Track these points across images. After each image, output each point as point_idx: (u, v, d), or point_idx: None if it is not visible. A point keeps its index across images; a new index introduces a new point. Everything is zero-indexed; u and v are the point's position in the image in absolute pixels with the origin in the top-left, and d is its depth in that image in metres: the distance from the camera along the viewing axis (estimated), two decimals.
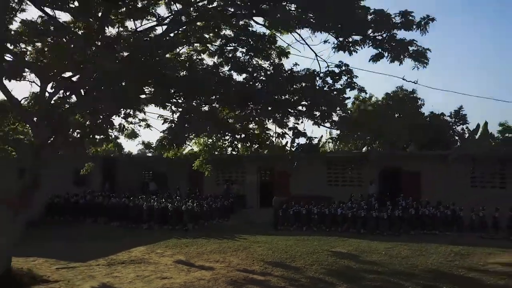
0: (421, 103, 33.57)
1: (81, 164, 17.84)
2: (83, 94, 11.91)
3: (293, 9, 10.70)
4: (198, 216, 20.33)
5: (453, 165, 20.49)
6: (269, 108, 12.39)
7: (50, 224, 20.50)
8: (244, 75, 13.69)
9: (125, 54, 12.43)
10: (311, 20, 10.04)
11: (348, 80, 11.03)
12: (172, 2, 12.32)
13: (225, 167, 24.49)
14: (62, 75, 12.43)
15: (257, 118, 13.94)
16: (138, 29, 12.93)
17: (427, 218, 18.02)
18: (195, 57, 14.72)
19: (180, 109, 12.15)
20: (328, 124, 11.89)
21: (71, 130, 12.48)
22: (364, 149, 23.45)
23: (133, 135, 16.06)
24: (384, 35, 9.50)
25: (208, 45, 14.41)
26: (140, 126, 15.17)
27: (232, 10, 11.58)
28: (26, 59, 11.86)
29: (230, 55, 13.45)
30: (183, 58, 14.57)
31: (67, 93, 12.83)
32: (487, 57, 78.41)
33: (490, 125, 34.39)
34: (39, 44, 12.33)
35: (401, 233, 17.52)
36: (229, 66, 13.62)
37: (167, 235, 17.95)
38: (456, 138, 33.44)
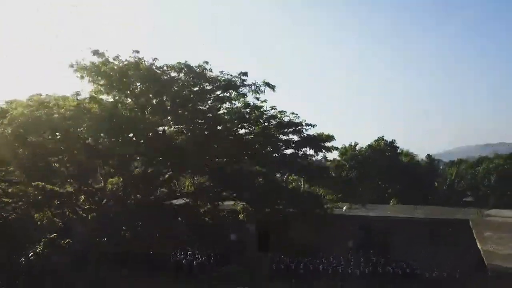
0: (400, 151, 38.12)
1: None
2: None
3: None
4: (207, 266, 24.75)
5: (416, 226, 24.92)
6: None
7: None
8: None
9: None
10: None
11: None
12: None
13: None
14: None
15: None
16: None
17: (391, 275, 22.45)
18: None
19: None
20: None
21: None
22: (344, 208, 27.66)
23: None
24: None
25: None
26: None
27: None
28: None
29: None
30: None
31: None
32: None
33: None
34: None
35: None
36: None
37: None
38: (436, 183, 37.89)
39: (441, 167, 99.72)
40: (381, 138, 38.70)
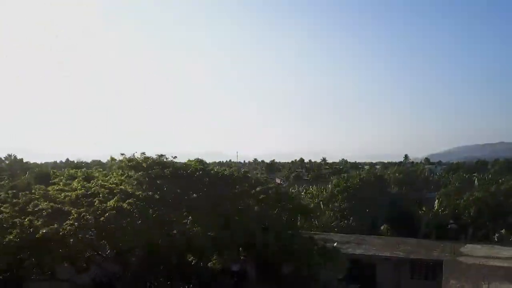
0: (388, 182, 41.46)
1: None
2: None
3: None
4: None
5: (398, 264, 28.13)
6: None
7: None
8: None
9: None
10: None
11: None
12: None
13: None
14: None
15: None
16: None
17: None
18: None
19: None
20: None
21: None
22: (335, 244, 30.81)
23: None
24: None
25: None
26: None
27: None
28: None
29: None
30: None
31: None
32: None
33: None
34: None
35: None
36: None
37: None
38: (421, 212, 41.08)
39: (437, 174, 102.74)
40: (371, 172, 42.27)
